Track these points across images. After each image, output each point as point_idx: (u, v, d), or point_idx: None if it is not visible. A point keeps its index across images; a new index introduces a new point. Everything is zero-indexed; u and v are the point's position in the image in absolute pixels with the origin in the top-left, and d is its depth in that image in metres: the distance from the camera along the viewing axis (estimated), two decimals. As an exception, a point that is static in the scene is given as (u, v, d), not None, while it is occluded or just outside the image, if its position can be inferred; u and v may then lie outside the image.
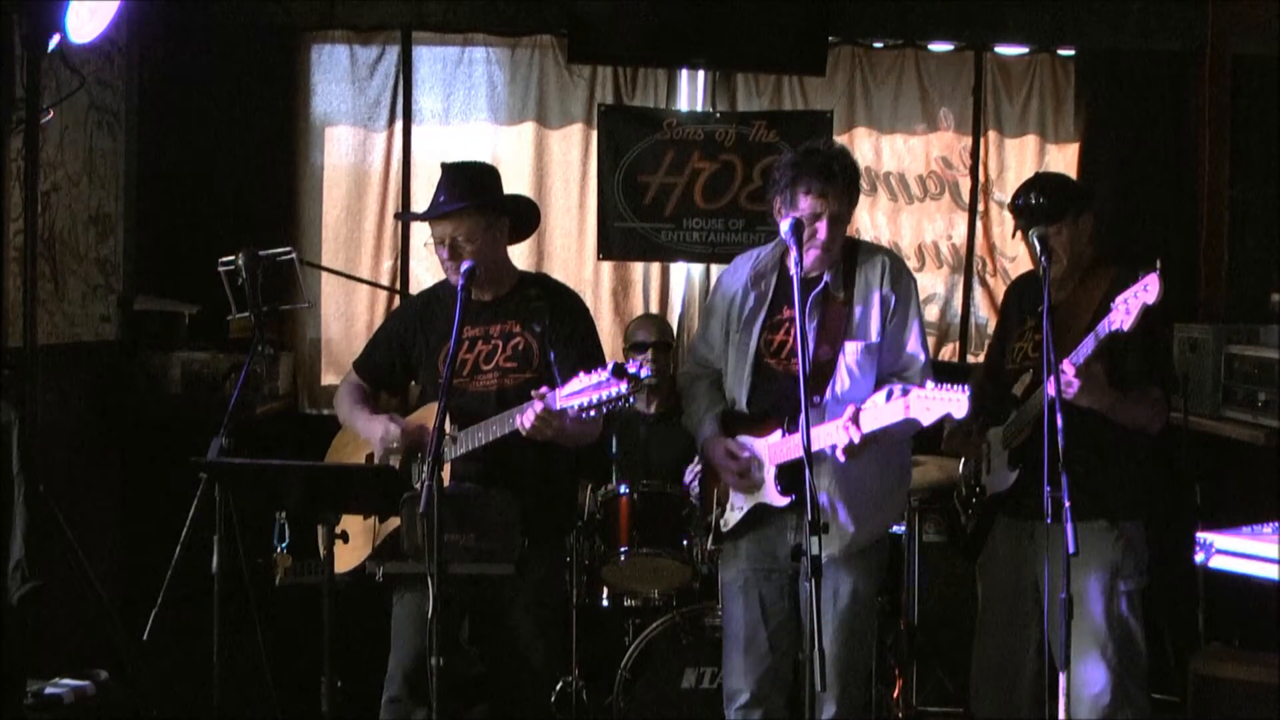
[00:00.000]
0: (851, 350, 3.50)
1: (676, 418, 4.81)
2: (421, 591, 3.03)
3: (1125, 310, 3.23)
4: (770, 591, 3.60)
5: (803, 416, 3.11)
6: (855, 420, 3.28)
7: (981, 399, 3.94)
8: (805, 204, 3.42)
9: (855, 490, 3.49)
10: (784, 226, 3.35)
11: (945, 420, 3.91)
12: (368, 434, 3.69)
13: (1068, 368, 3.35)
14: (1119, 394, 3.48)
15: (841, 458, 3.33)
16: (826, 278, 3.53)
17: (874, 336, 3.52)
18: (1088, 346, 3.34)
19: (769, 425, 3.52)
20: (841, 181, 3.43)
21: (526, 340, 3.59)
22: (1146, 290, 3.18)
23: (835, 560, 3.47)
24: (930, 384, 3.21)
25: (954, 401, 3.15)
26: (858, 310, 3.53)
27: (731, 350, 3.65)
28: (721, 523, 3.64)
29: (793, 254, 3.30)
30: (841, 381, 3.50)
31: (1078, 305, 3.66)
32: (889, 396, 3.32)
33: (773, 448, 3.50)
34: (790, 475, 3.45)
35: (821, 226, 3.43)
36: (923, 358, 3.57)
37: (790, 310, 3.52)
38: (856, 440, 3.29)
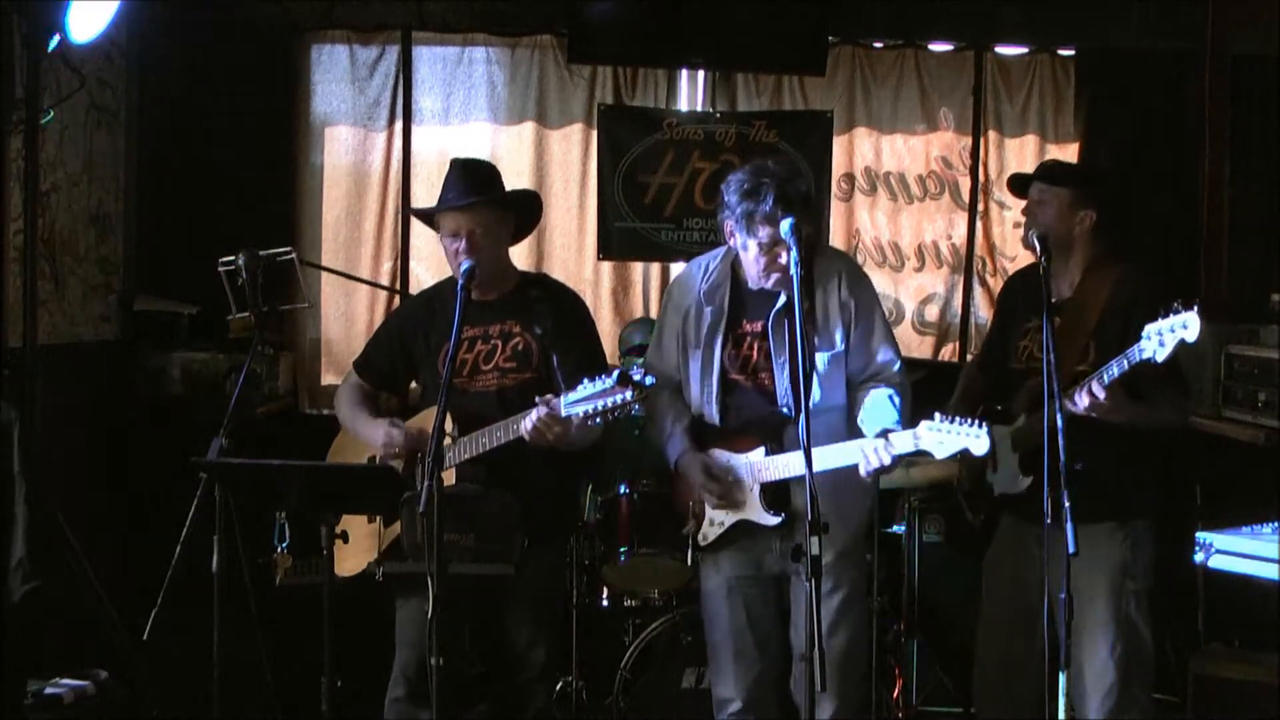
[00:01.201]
0: (820, 361, 3.48)
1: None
2: (425, 594, 3.03)
3: (1159, 342, 3.22)
4: (755, 597, 3.59)
5: (802, 419, 3.10)
6: (887, 445, 3.26)
7: (978, 394, 3.95)
8: (764, 233, 3.36)
9: (826, 501, 3.45)
10: (784, 227, 3.28)
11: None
12: (369, 438, 3.68)
13: (1097, 390, 3.34)
14: (1140, 407, 3.48)
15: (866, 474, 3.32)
16: (784, 293, 3.47)
17: (838, 345, 3.50)
18: (1114, 370, 3.34)
19: (746, 442, 3.50)
20: (799, 209, 3.35)
21: (526, 341, 3.58)
22: (1186, 328, 3.18)
23: (829, 564, 3.47)
24: (939, 417, 3.20)
25: (974, 439, 3.16)
26: (820, 321, 3.50)
27: (693, 365, 3.60)
28: (700, 537, 3.61)
29: (792, 254, 3.24)
30: (814, 394, 3.46)
31: (1084, 304, 3.65)
32: (883, 401, 3.37)
33: (756, 467, 3.48)
34: (777, 495, 3.45)
35: (783, 252, 3.37)
36: (897, 360, 3.55)
37: (750, 324, 3.53)
38: (887, 462, 3.28)
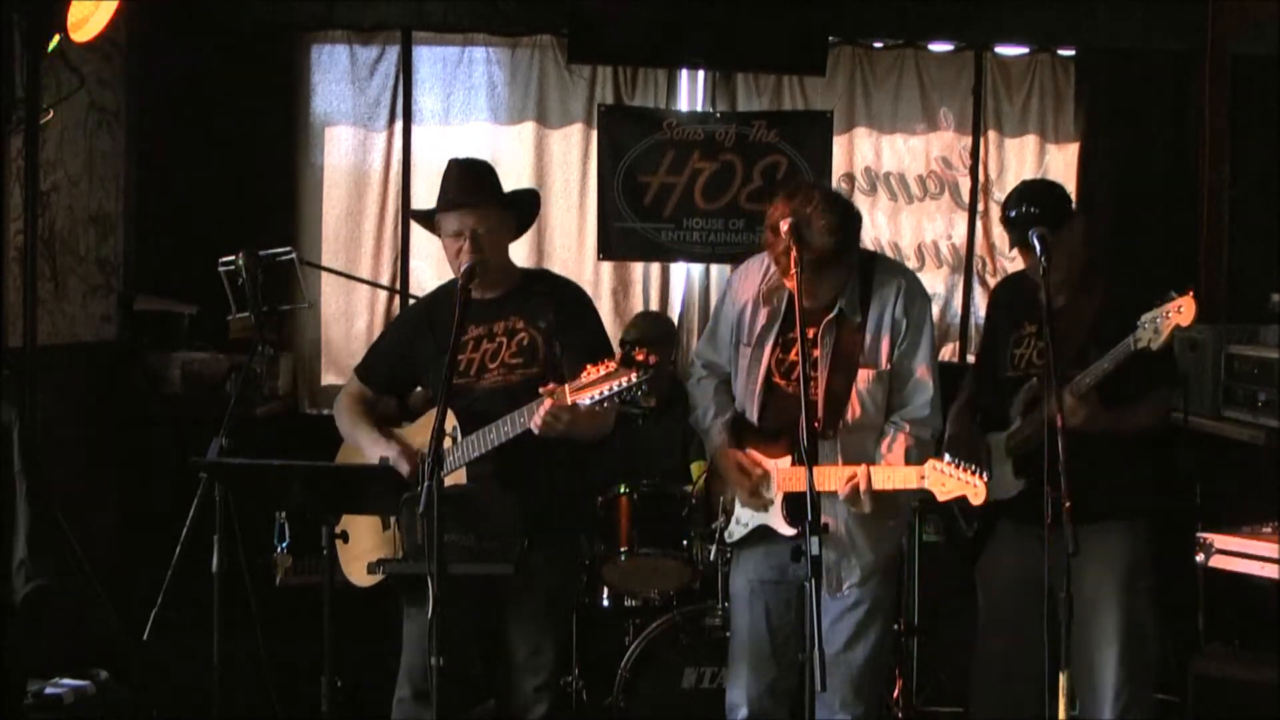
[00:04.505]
0: (864, 378, 3.42)
1: (673, 411, 4.80)
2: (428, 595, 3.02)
3: (1154, 330, 3.22)
4: (777, 603, 3.55)
5: (803, 418, 3.10)
6: (868, 487, 3.24)
7: (978, 405, 3.94)
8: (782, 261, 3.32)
9: (860, 522, 3.42)
10: (784, 227, 3.26)
11: (947, 427, 3.92)
12: (372, 457, 3.64)
13: (1068, 397, 3.33)
14: (1113, 413, 3.47)
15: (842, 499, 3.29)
16: (841, 301, 3.43)
17: (884, 364, 3.44)
18: (1106, 365, 3.33)
19: (779, 447, 3.46)
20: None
21: (531, 335, 3.57)
22: (1181, 312, 3.17)
23: (855, 584, 3.47)
24: (947, 459, 3.17)
25: (972, 487, 3.13)
26: (870, 336, 3.44)
27: (742, 361, 3.58)
28: (726, 533, 3.61)
29: (792, 255, 3.23)
30: (854, 411, 3.43)
31: (1077, 312, 3.64)
32: (894, 449, 3.33)
33: (782, 474, 3.43)
34: (798, 506, 3.37)
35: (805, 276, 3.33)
36: (930, 390, 3.44)
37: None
38: (866, 510, 3.27)
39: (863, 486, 3.24)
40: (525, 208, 3.75)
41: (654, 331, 5.19)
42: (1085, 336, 3.56)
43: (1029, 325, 3.73)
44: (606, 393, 3.13)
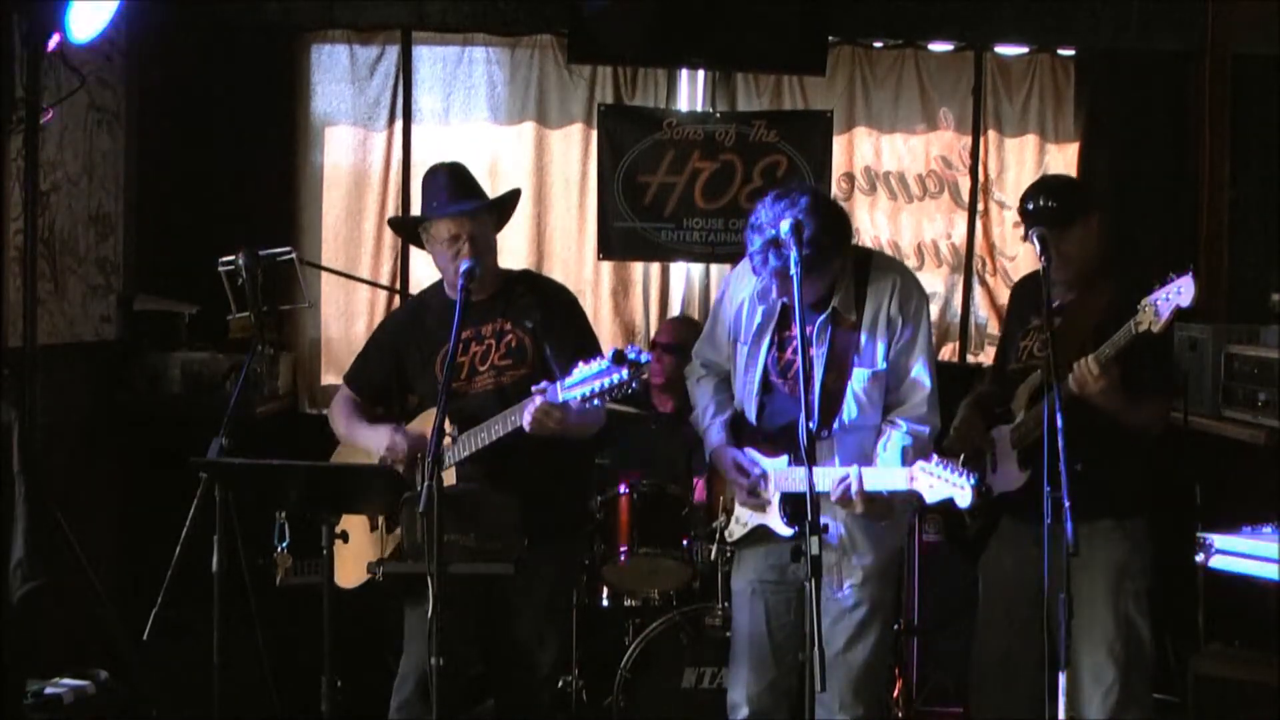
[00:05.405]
0: (860, 377, 3.41)
1: (686, 419, 4.80)
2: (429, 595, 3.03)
3: (1156, 312, 3.23)
4: (777, 603, 3.55)
5: (802, 418, 3.10)
6: (860, 489, 3.23)
7: (989, 402, 3.95)
8: (761, 268, 3.33)
9: (860, 521, 3.42)
10: (783, 227, 3.24)
11: (956, 415, 3.92)
12: (371, 445, 3.66)
13: (1093, 364, 3.34)
14: (1126, 398, 3.48)
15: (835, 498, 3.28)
16: (835, 299, 3.43)
17: (879, 364, 3.42)
18: (1108, 351, 3.34)
19: (776, 447, 3.46)
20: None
21: (519, 337, 3.58)
22: (1181, 294, 3.18)
23: (856, 585, 3.47)
24: (935, 460, 3.16)
25: (959, 489, 3.11)
26: (865, 334, 3.43)
27: (739, 360, 3.58)
28: (726, 532, 3.61)
29: (793, 254, 3.23)
30: (849, 410, 3.42)
31: (1084, 307, 3.65)
32: (890, 448, 3.32)
33: (779, 475, 3.43)
34: (795, 506, 3.40)
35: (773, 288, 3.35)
36: (927, 388, 3.43)
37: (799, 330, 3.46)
38: (859, 511, 3.27)
39: (854, 488, 3.24)
40: (506, 209, 3.76)
41: (691, 338, 5.18)
42: (1088, 335, 3.56)
43: (1036, 318, 3.75)
44: (597, 389, 3.13)
